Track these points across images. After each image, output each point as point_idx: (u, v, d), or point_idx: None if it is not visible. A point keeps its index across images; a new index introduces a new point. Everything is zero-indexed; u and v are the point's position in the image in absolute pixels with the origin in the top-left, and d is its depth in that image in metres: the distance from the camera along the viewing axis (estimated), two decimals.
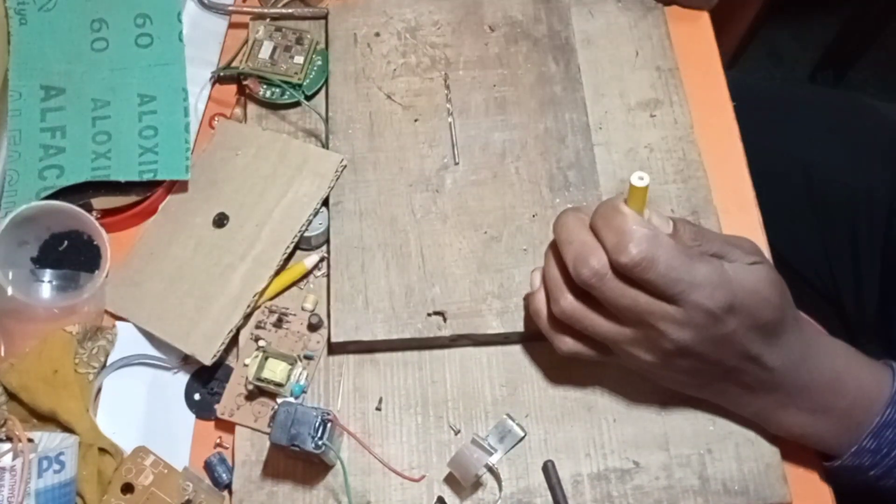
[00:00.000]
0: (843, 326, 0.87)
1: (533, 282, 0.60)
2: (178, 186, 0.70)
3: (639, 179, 0.52)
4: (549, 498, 0.60)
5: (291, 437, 0.55)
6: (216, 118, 0.74)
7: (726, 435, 0.61)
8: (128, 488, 0.58)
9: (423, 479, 0.60)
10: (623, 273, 0.52)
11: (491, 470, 0.60)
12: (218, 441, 0.63)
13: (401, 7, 0.75)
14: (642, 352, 0.56)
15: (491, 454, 0.59)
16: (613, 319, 0.55)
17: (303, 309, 0.65)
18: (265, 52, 0.73)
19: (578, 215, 0.57)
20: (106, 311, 0.66)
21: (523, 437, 0.61)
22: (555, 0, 0.75)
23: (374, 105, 0.71)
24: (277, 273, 0.65)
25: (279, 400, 0.61)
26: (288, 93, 0.71)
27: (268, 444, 0.61)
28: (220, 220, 0.67)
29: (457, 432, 0.62)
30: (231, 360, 0.65)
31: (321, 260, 0.67)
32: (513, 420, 0.61)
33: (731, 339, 0.54)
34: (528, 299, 0.60)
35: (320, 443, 0.55)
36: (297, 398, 0.61)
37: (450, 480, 0.60)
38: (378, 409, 0.63)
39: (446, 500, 0.60)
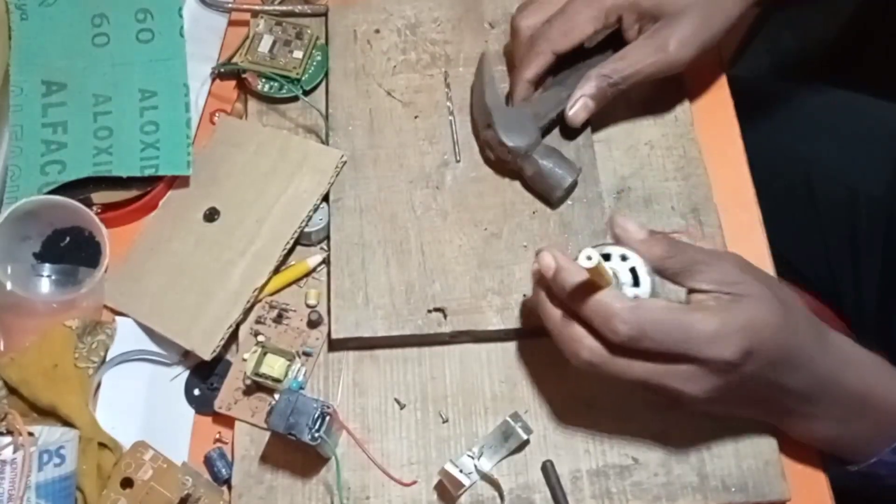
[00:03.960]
0: (843, 326, 0.87)
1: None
2: (178, 182, 0.71)
3: (586, 260, 0.49)
4: (548, 494, 0.60)
5: (289, 426, 0.55)
6: (217, 114, 0.74)
7: (725, 432, 0.61)
8: (127, 483, 0.58)
9: (414, 483, 0.60)
10: (622, 352, 0.51)
11: (487, 479, 0.60)
12: (217, 436, 0.63)
13: (401, 4, 0.75)
14: (669, 399, 0.54)
15: (472, 472, 0.59)
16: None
17: (306, 305, 0.65)
18: (265, 45, 0.73)
19: (554, 302, 0.55)
20: (106, 307, 0.66)
21: (527, 441, 0.61)
22: None
23: (374, 102, 0.71)
24: (277, 269, 0.65)
25: (276, 396, 0.61)
26: (286, 87, 0.71)
27: (267, 439, 0.61)
28: (211, 215, 0.67)
29: (444, 421, 0.62)
30: (230, 355, 0.65)
31: (323, 260, 0.67)
32: (518, 421, 0.60)
33: (754, 378, 0.52)
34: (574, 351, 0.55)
35: (317, 435, 0.55)
36: None
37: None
38: (401, 406, 0.63)
39: (446, 496, 0.60)
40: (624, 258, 0.55)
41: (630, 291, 0.54)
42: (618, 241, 0.55)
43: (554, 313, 0.55)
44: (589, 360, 0.53)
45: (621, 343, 0.51)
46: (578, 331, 0.53)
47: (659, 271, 0.54)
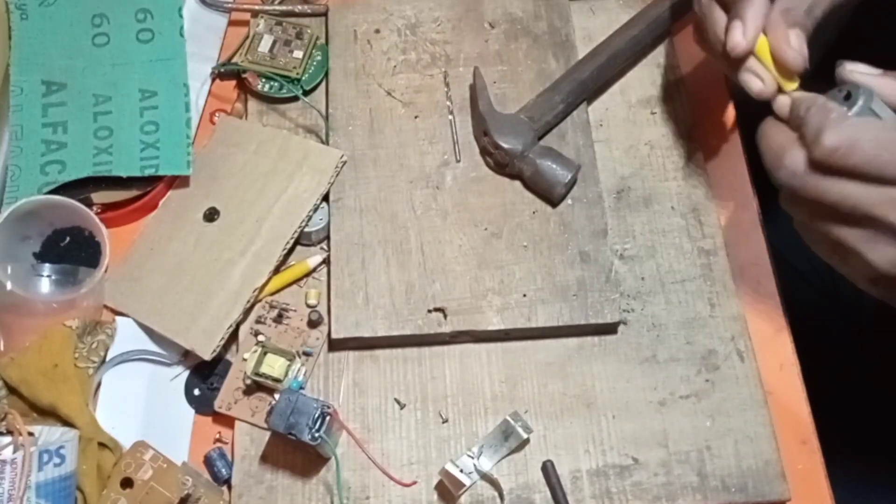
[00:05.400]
0: (844, 326, 0.87)
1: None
2: (178, 182, 0.71)
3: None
4: (548, 494, 0.60)
5: (289, 426, 0.55)
6: (216, 114, 0.74)
7: (725, 432, 0.61)
8: (127, 483, 0.58)
9: (414, 484, 0.60)
10: (825, 167, 0.47)
11: (487, 479, 0.60)
12: (217, 436, 0.63)
13: (401, 4, 0.75)
14: (877, 254, 0.48)
15: (472, 472, 0.59)
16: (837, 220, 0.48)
17: (306, 305, 0.65)
18: (265, 45, 0.73)
19: (779, 123, 0.52)
20: (106, 307, 0.66)
21: (527, 440, 0.61)
22: None
23: (375, 102, 0.71)
24: (277, 269, 0.65)
25: (276, 396, 0.61)
26: (286, 87, 0.71)
27: (267, 439, 0.61)
28: (211, 215, 0.67)
29: (444, 421, 0.62)
30: (230, 355, 0.65)
31: (323, 260, 0.67)
32: (518, 420, 0.60)
33: None
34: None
35: (317, 434, 0.55)
36: None
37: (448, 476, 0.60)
38: (401, 406, 0.62)
39: (446, 496, 0.60)
40: (848, 97, 0.51)
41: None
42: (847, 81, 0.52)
43: (769, 125, 0.52)
44: (791, 169, 0.48)
45: (819, 158, 0.47)
46: (786, 139, 0.50)
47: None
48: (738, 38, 0.55)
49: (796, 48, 0.55)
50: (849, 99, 0.51)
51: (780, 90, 0.56)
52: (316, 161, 0.68)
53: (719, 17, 0.58)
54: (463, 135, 0.70)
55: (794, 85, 0.56)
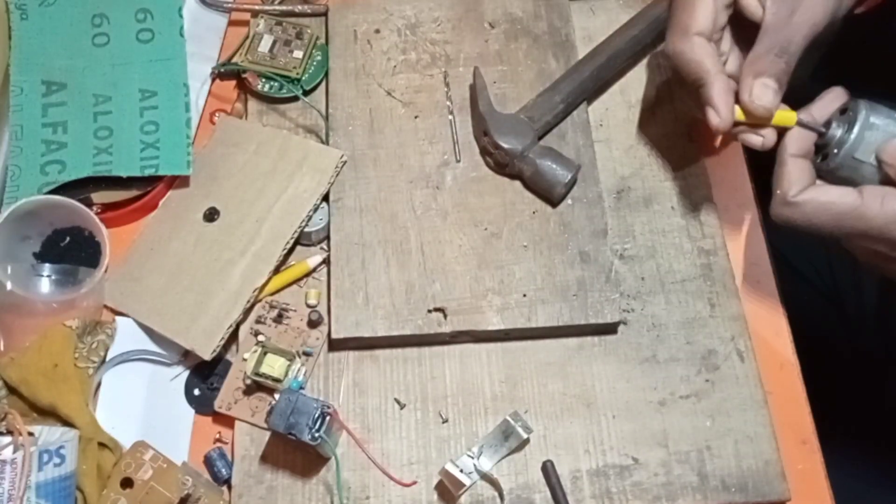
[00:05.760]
0: (844, 326, 0.87)
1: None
2: (178, 182, 0.71)
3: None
4: (548, 494, 0.60)
5: (289, 426, 0.55)
6: (217, 114, 0.74)
7: (725, 432, 0.61)
8: (127, 483, 0.58)
9: (414, 484, 0.60)
10: None
11: (487, 479, 0.60)
12: (217, 436, 0.63)
13: (401, 4, 0.75)
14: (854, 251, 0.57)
15: (472, 472, 0.59)
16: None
17: (306, 305, 0.65)
18: (265, 45, 0.73)
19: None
20: (106, 307, 0.66)
21: (527, 440, 0.61)
22: None
23: (375, 102, 0.71)
24: (277, 269, 0.65)
25: (276, 396, 0.61)
26: (286, 87, 0.71)
27: (267, 439, 0.61)
28: (211, 215, 0.67)
29: (444, 421, 0.62)
30: (230, 355, 0.65)
31: (323, 260, 0.67)
32: (518, 420, 0.60)
33: None
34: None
35: (317, 434, 0.55)
36: None
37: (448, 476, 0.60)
38: (401, 406, 0.62)
39: (446, 496, 0.60)
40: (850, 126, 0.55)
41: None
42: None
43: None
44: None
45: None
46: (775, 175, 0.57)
47: None
48: (716, 123, 0.58)
49: (757, 100, 0.57)
50: (850, 129, 0.55)
51: (782, 129, 0.57)
52: (316, 161, 0.68)
53: (690, 97, 0.61)
54: (463, 135, 0.70)
55: (792, 120, 0.57)
